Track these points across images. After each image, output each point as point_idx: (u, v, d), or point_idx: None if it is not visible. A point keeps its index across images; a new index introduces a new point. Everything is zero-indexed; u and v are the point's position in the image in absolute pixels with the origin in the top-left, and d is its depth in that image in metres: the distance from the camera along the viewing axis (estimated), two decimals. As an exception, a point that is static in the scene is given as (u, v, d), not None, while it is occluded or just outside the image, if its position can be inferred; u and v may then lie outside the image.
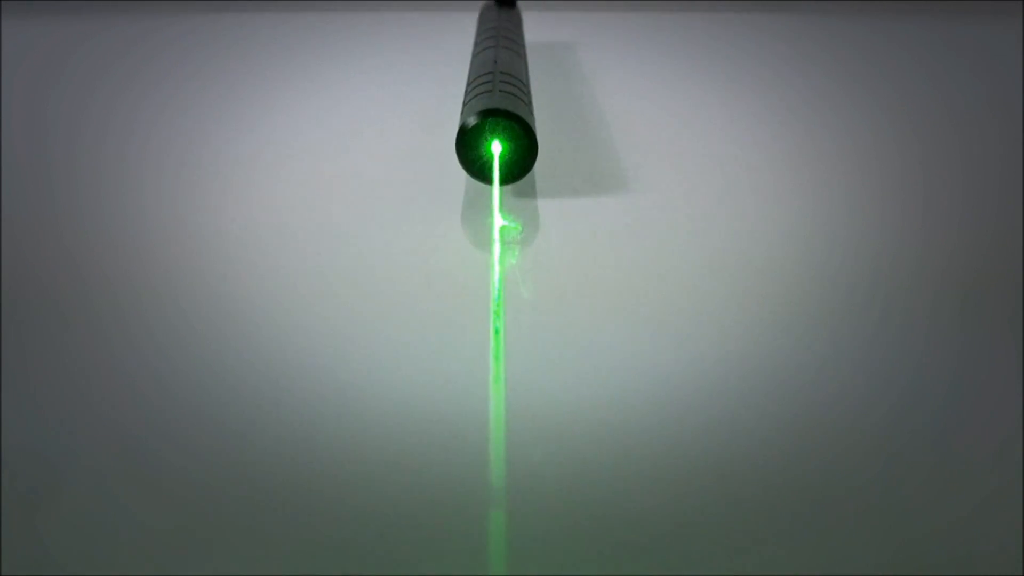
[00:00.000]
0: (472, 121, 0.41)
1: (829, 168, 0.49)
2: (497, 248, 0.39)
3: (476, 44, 0.58)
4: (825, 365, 0.31)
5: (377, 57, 0.73)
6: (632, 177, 0.46)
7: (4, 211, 0.43)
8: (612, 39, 0.79)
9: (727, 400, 0.29)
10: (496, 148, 0.41)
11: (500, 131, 0.41)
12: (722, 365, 0.31)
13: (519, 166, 0.41)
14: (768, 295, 0.36)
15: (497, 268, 0.38)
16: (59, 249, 0.40)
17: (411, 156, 0.49)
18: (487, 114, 0.41)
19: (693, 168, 0.49)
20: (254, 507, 0.25)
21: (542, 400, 0.29)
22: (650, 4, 0.89)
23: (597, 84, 0.64)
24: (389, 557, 0.23)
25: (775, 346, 0.32)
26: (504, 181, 0.41)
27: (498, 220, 0.41)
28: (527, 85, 0.49)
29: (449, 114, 0.50)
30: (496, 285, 0.36)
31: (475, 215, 0.42)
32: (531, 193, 0.43)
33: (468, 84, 0.48)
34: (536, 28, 0.71)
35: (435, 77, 0.64)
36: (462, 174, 0.42)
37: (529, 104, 0.45)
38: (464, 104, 0.44)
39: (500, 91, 0.43)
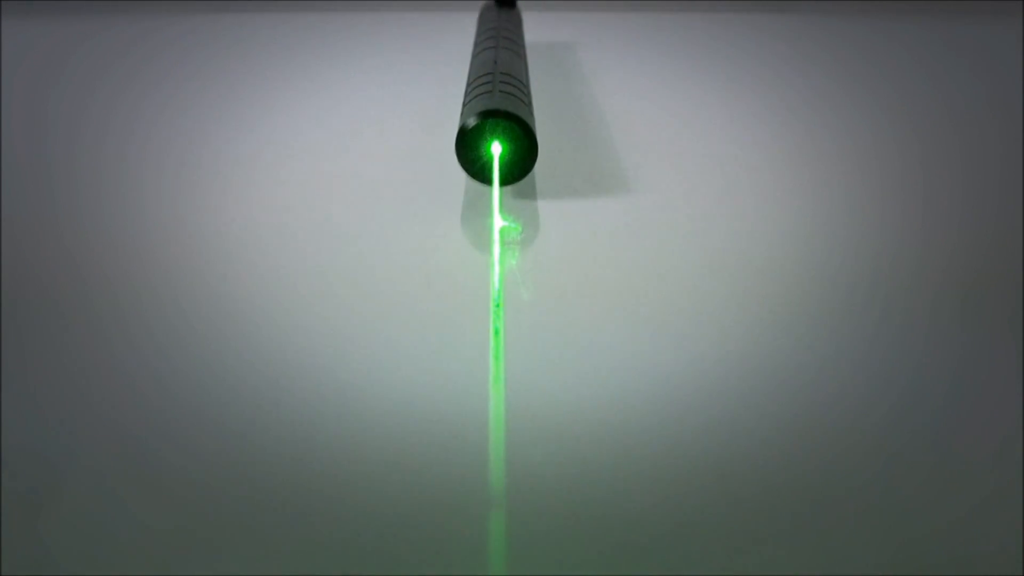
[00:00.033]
0: (472, 122, 0.41)
1: (829, 168, 0.49)
2: (497, 248, 0.39)
3: (476, 44, 0.58)
4: (825, 365, 0.31)
5: (377, 57, 0.73)
6: (632, 177, 0.46)
7: (4, 211, 0.43)
8: (612, 39, 0.79)
9: (727, 400, 0.29)
10: (496, 149, 0.41)
11: (500, 132, 0.41)
12: (722, 365, 0.31)
13: (519, 167, 0.41)
14: (768, 295, 0.36)
15: (497, 268, 0.38)
16: (59, 249, 0.40)
17: (411, 156, 0.49)
18: (487, 115, 0.41)
19: (693, 168, 0.49)
20: (254, 507, 0.25)
21: (542, 400, 0.29)
22: (650, 4, 0.89)
23: (597, 84, 0.64)
24: (389, 557, 0.23)
25: (775, 346, 0.32)
26: (504, 182, 0.41)
27: (498, 221, 0.41)
28: (527, 86, 0.49)
29: (449, 114, 0.50)
30: (496, 285, 0.36)
31: (475, 216, 0.42)
32: (531, 193, 0.43)
33: (468, 84, 0.48)
34: (536, 28, 0.71)
35: (435, 77, 0.64)
36: (462, 174, 0.42)
37: (529, 105, 0.45)
38: (464, 105, 0.44)
39: (500, 92, 0.43)
